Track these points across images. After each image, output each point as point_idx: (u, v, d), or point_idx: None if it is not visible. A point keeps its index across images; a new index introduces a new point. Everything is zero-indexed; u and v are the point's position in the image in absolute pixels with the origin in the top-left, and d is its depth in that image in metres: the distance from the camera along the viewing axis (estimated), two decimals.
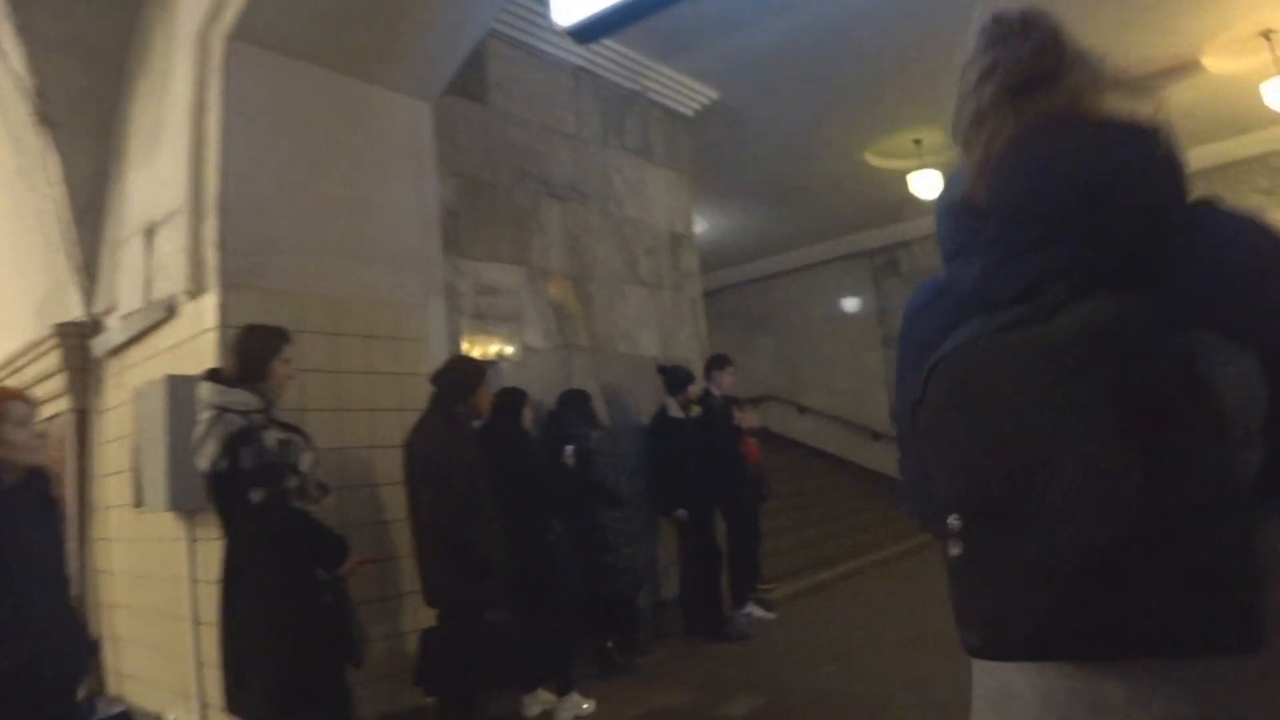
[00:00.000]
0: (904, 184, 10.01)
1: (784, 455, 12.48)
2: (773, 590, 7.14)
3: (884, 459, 12.71)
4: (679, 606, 6.34)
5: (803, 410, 13.54)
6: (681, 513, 6.14)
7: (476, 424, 4.26)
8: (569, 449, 5.04)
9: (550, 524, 4.74)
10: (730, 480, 6.49)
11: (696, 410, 6.32)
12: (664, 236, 7.25)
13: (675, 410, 6.22)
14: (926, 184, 9.78)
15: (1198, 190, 1.04)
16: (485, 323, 5.60)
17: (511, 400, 4.79)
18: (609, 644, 5.45)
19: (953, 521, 0.95)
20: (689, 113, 7.73)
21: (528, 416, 4.84)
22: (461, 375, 4.00)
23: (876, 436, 12.80)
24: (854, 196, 11.08)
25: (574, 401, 5.50)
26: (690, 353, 7.15)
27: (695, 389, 6.35)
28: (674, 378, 6.26)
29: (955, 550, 0.95)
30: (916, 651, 5.35)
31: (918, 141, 9.53)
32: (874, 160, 9.98)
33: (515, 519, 4.34)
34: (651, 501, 6.26)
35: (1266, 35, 7.82)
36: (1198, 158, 10.69)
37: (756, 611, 6.67)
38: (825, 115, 8.58)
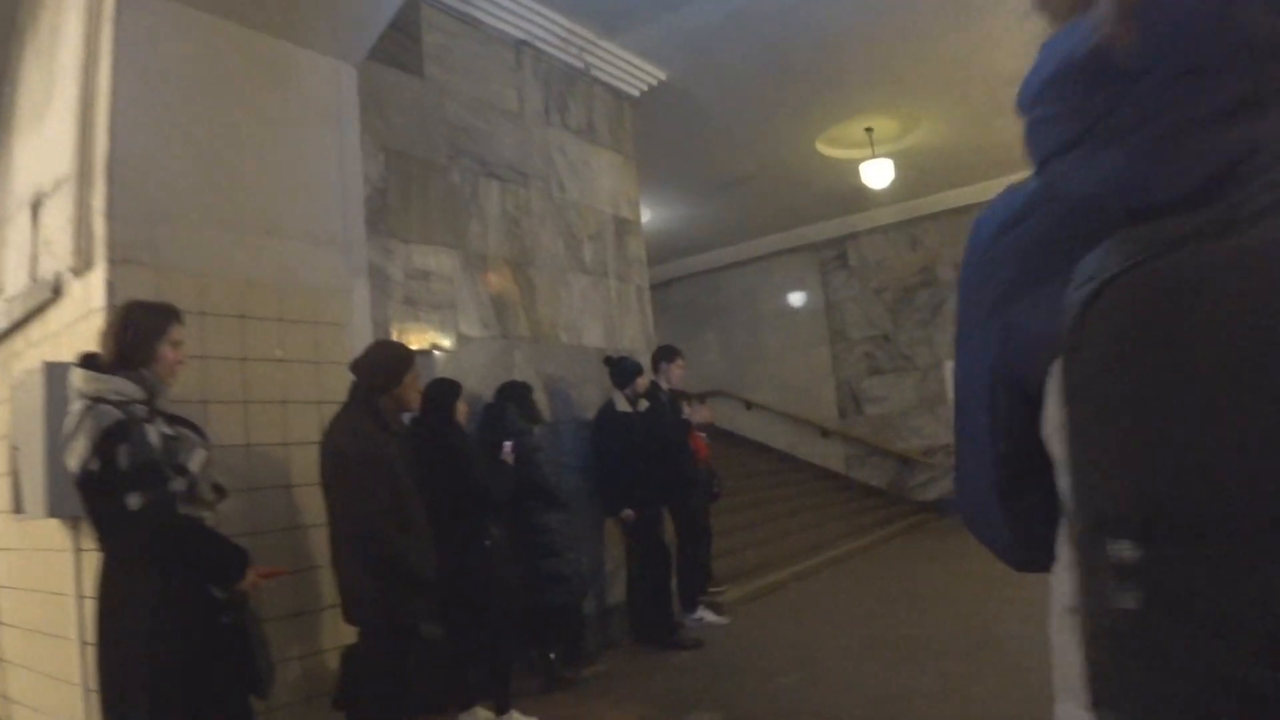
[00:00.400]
0: (855, 174, 9.79)
1: (732, 451, 12.23)
2: (724, 593, 6.82)
3: (833, 455, 12.52)
4: (626, 613, 5.98)
5: (750, 406, 13.29)
6: (628, 513, 5.77)
7: (406, 418, 3.85)
8: (508, 445, 4.64)
9: (486, 528, 4.34)
10: (679, 478, 6.14)
11: (645, 404, 5.96)
12: (609, 222, 6.87)
13: (622, 404, 5.85)
14: (878, 174, 9.56)
15: None
16: (416, 309, 5.17)
17: (444, 393, 4.38)
18: (551, 656, 5.07)
19: (1125, 551, 0.58)
20: (635, 93, 7.37)
21: (462, 410, 4.43)
22: (384, 362, 3.56)
23: (825, 433, 12.61)
24: (804, 187, 10.82)
25: (513, 394, 5.10)
26: (637, 344, 6.80)
27: (643, 381, 5.99)
28: (621, 370, 5.90)
29: (1128, 600, 0.57)
30: (879, 658, 5.07)
31: (869, 130, 9.30)
32: (825, 149, 9.73)
33: (448, 523, 3.95)
34: (597, 501, 5.88)
35: None
36: None
37: (708, 616, 6.34)
38: (776, 100, 8.28)
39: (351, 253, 4.39)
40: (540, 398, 5.51)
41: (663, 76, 7.40)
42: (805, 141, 9.48)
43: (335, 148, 4.40)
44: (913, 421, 11.99)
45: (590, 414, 6.00)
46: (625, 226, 7.06)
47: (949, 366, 11.82)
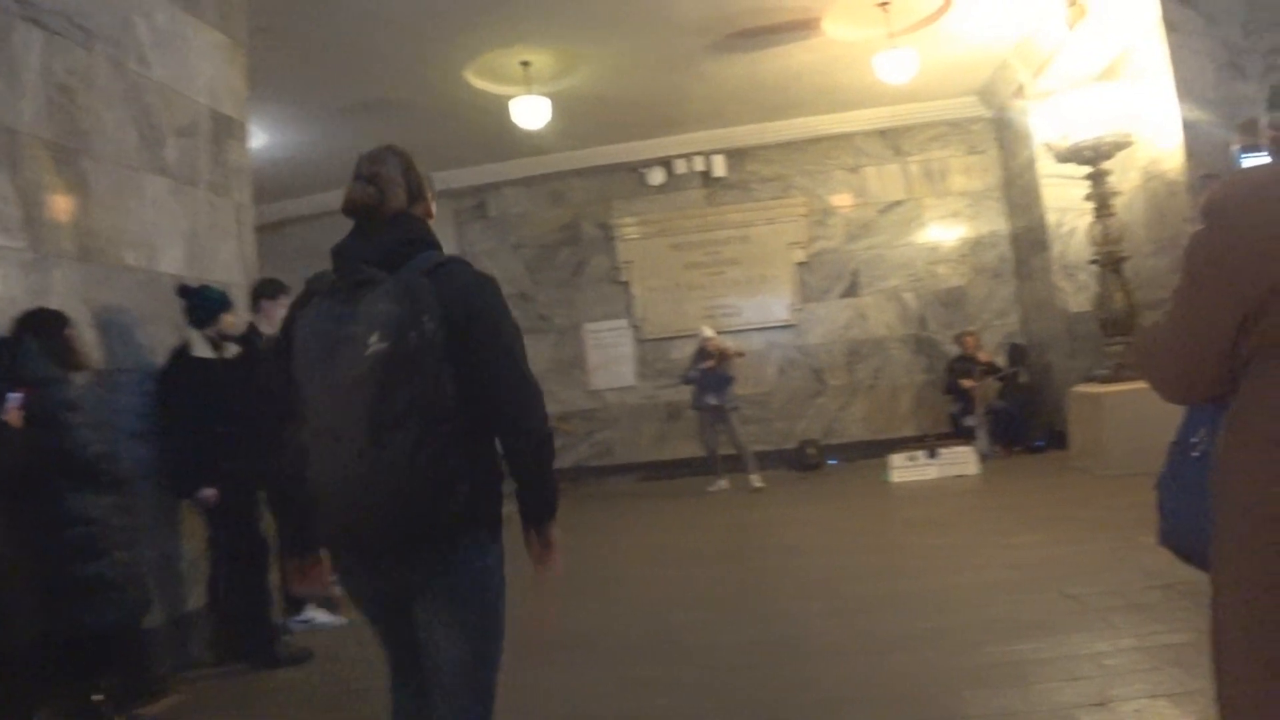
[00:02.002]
0: (504, 114, 8.83)
1: None
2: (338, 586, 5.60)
3: None
4: (209, 623, 4.60)
5: None
6: (209, 492, 4.39)
7: None
8: (14, 398, 3.13)
9: None
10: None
11: (234, 350, 4.58)
12: (205, 117, 5.32)
13: (202, 348, 4.44)
14: (532, 112, 8.67)
15: None
16: None
17: None
18: (96, 697, 3.66)
19: None
20: None
21: None
22: None
23: None
24: (447, 122, 9.65)
25: (38, 328, 3.56)
26: (232, 276, 5.34)
27: (233, 320, 4.61)
28: (201, 302, 4.50)
29: None
30: (535, 659, 4.16)
31: (526, 64, 8.37)
32: (475, 80, 8.66)
33: None
34: (164, 478, 4.46)
35: (884, 5, 7.66)
36: (796, 128, 10.88)
37: (320, 617, 5.14)
38: (424, 9, 7.07)
39: None
40: (87, 335, 3.97)
41: None
42: (455, 68, 8.36)
43: None
44: (548, 386, 11.25)
45: (163, 361, 4.51)
46: (227, 126, 5.53)
47: (589, 329, 11.50)
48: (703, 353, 9.32)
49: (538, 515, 2.07)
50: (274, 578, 4.82)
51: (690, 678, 3.78)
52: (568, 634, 4.63)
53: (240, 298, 5.10)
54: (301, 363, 1.91)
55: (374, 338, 1.79)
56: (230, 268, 5.39)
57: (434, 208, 2.22)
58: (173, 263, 4.89)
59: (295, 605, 5.07)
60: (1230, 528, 1.40)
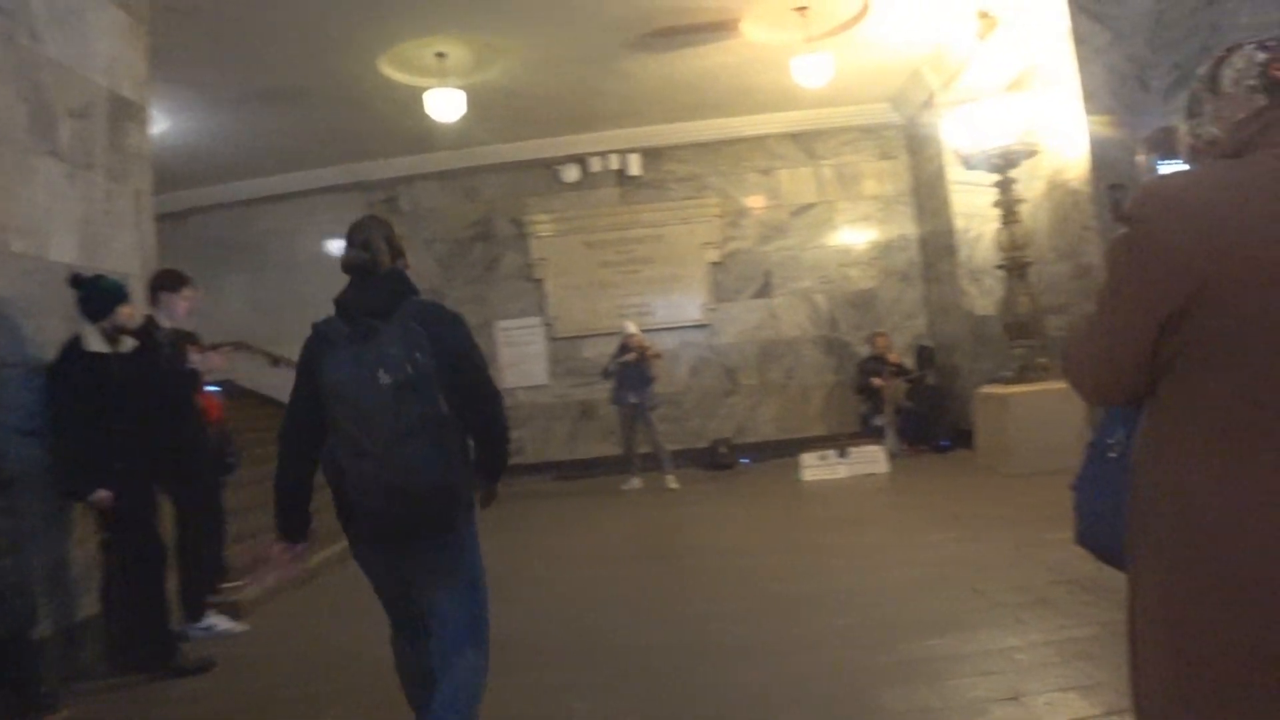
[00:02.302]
0: (418, 106, 8.66)
1: (253, 414, 10.49)
2: (243, 590, 5.41)
3: None
4: (103, 632, 4.37)
5: (277, 361, 11.57)
6: (103, 494, 4.15)
7: None
8: None
9: None
10: (181, 445, 4.65)
11: (131, 344, 4.37)
12: (102, 99, 5.06)
13: (97, 342, 4.21)
14: (447, 105, 8.52)
15: None
16: None
17: None
18: None
19: None
20: None
21: None
22: None
23: None
24: (360, 113, 9.44)
25: None
26: (129, 267, 5.09)
27: (130, 312, 4.39)
28: (96, 294, 4.26)
29: None
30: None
31: (442, 56, 8.22)
32: (389, 70, 8.46)
33: None
34: (54, 479, 4.20)
35: (802, 10, 7.74)
36: (711, 129, 10.92)
37: (222, 624, 4.93)
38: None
39: None
40: None
41: None
42: (368, 57, 8.15)
43: None
44: None
45: (52, 354, 4.27)
46: (126, 109, 5.27)
47: (501, 326, 11.37)
48: (624, 348, 9.30)
49: (494, 477, 2.77)
50: (171, 583, 4.63)
51: (608, 681, 3.73)
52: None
53: (138, 289, 4.87)
54: (335, 394, 2.49)
55: (382, 373, 2.41)
56: (127, 258, 5.14)
57: (410, 259, 2.82)
58: (65, 251, 4.62)
59: (195, 612, 4.86)
60: (1146, 531, 1.41)
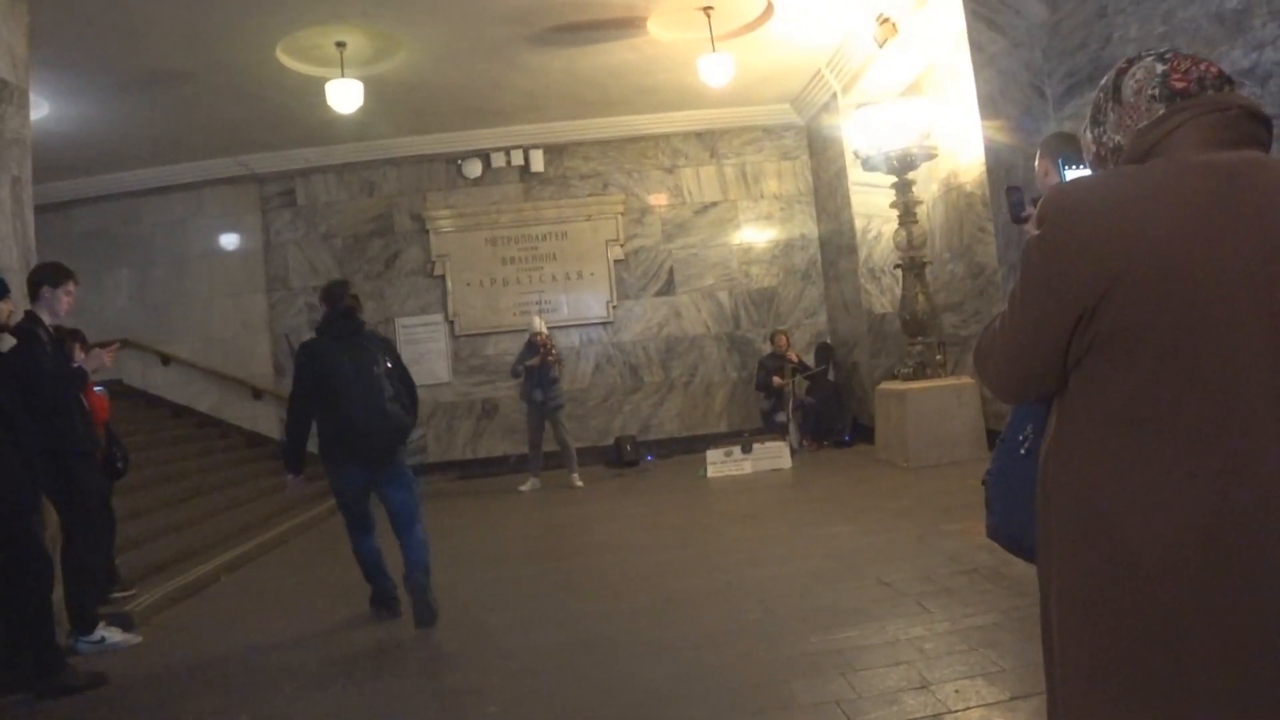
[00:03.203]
0: (316, 97, 8.43)
1: (142, 415, 10.12)
2: (135, 600, 5.18)
3: (267, 418, 10.97)
4: None
5: (167, 361, 11.15)
6: None
7: None
8: None
9: None
10: (64, 448, 4.43)
11: (9, 343, 4.14)
12: None
13: None
14: (345, 95, 8.31)
15: None
16: None
17: None
18: None
19: None
20: None
21: None
22: None
23: (258, 393, 11.03)
24: (255, 102, 9.10)
25: None
26: (9, 259, 4.82)
27: (8, 307, 4.16)
28: None
29: None
30: (340, 673, 3.97)
31: (341, 45, 8.00)
32: (286, 59, 8.20)
33: None
34: None
35: (708, 10, 7.80)
36: (615, 126, 10.92)
37: (113, 635, 4.67)
38: None
39: None
40: None
41: None
42: (264, 44, 7.85)
43: None
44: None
45: None
46: (4, 91, 4.95)
47: (401, 323, 11.15)
48: (531, 345, 9.24)
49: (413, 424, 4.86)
50: (58, 593, 4.39)
51: (510, 683, 3.67)
52: (377, 643, 4.45)
53: (17, 284, 4.61)
54: (344, 379, 4.48)
55: (374, 367, 4.54)
56: (6, 250, 4.86)
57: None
58: None
59: (84, 624, 4.63)
60: (1056, 528, 1.44)
